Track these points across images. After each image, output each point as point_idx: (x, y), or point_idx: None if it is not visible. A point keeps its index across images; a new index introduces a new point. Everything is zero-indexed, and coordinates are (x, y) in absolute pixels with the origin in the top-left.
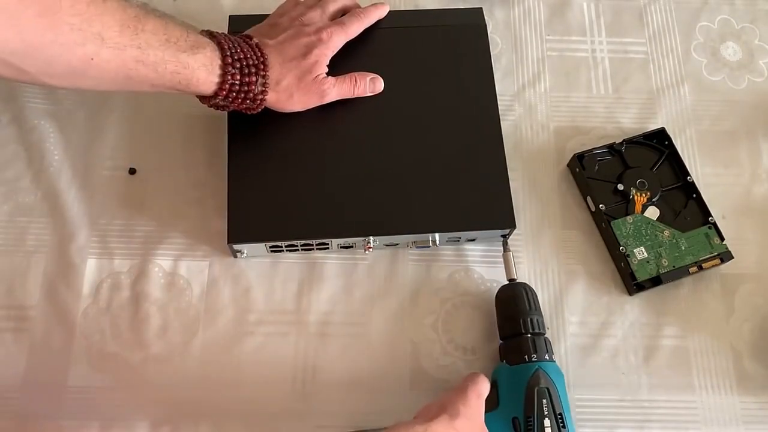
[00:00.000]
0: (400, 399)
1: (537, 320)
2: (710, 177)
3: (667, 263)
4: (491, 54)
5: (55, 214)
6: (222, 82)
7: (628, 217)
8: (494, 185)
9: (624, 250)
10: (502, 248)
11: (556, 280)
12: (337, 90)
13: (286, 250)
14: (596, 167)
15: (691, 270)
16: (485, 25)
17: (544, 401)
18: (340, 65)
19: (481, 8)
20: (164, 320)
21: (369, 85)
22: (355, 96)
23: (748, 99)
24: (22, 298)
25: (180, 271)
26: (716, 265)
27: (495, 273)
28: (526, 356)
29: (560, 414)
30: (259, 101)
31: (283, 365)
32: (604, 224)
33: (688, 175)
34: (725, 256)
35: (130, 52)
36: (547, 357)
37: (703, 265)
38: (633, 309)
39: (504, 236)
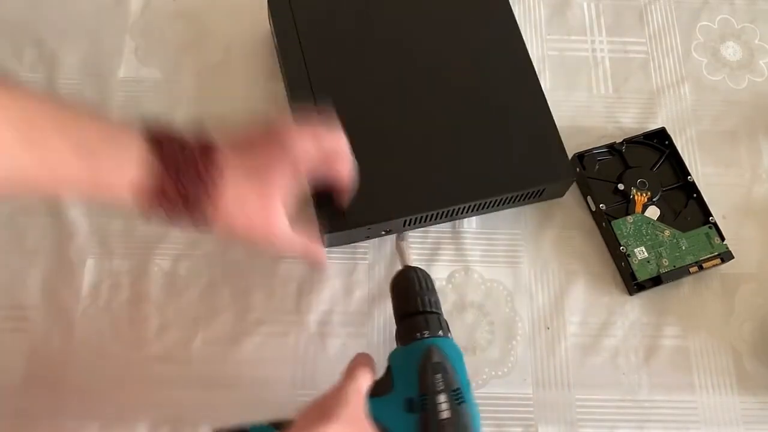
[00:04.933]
0: None
1: (429, 299)
2: (711, 177)
3: (667, 263)
4: None
5: (54, 214)
6: None
7: (629, 217)
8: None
9: (624, 250)
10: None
11: (556, 280)
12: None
13: None
14: (596, 167)
15: (691, 270)
16: None
17: (438, 376)
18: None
19: None
20: (164, 320)
21: None
22: None
23: (748, 99)
24: (22, 298)
25: (179, 271)
26: (717, 264)
27: (495, 273)
28: (417, 333)
29: (457, 389)
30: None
31: (283, 365)
32: (604, 224)
33: (689, 174)
34: (725, 256)
35: None
36: (440, 333)
37: (703, 264)
38: (633, 309)
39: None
